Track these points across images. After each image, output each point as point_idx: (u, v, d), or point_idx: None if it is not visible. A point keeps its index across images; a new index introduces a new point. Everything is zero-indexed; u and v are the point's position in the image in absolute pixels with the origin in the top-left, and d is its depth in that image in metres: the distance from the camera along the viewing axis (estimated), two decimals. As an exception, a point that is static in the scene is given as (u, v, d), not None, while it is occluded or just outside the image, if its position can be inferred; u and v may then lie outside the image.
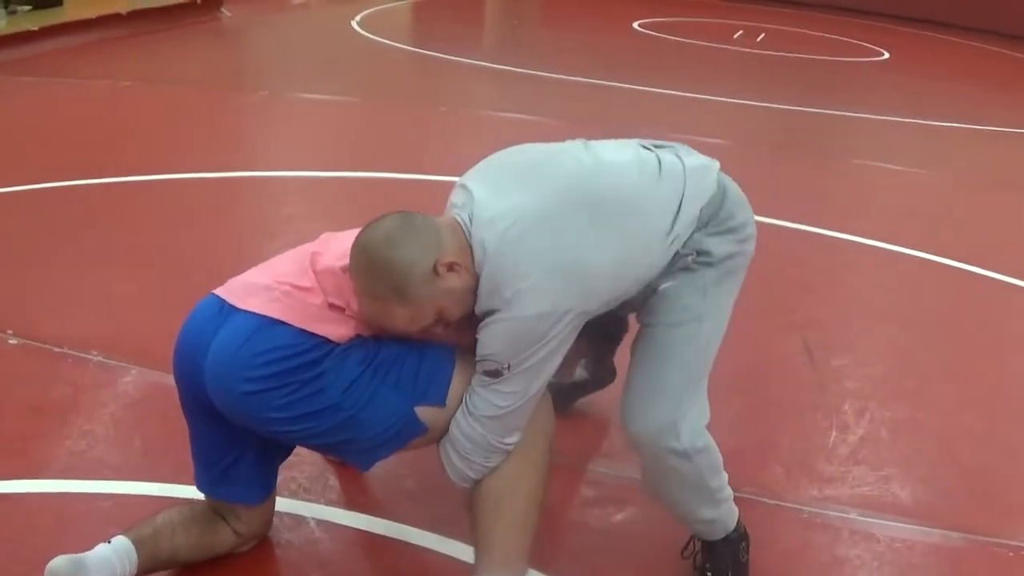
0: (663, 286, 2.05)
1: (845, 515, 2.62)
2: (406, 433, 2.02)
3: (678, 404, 2.06)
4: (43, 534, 2.32)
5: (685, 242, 2.01)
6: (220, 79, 7.53)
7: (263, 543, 2.34)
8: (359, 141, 6.03)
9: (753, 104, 7.70)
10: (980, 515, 2.68)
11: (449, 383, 2.01)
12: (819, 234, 4.78)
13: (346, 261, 1.98)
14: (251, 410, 1.96)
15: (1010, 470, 2.93)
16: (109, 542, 2.07)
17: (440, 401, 2.00)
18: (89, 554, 2.02)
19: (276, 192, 5.08)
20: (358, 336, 1.98)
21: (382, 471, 2.51)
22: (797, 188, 5.67)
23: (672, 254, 2.01)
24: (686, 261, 2.02)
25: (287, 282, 2.00)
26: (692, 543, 2.32)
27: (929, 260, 4.54)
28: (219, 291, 2.06)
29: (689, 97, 7.81)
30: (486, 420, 1.97)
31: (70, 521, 2.39)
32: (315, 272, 2.02)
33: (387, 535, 2.42)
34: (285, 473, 2.56)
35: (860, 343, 3.73)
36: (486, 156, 2.09)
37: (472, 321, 1.96)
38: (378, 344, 1.99)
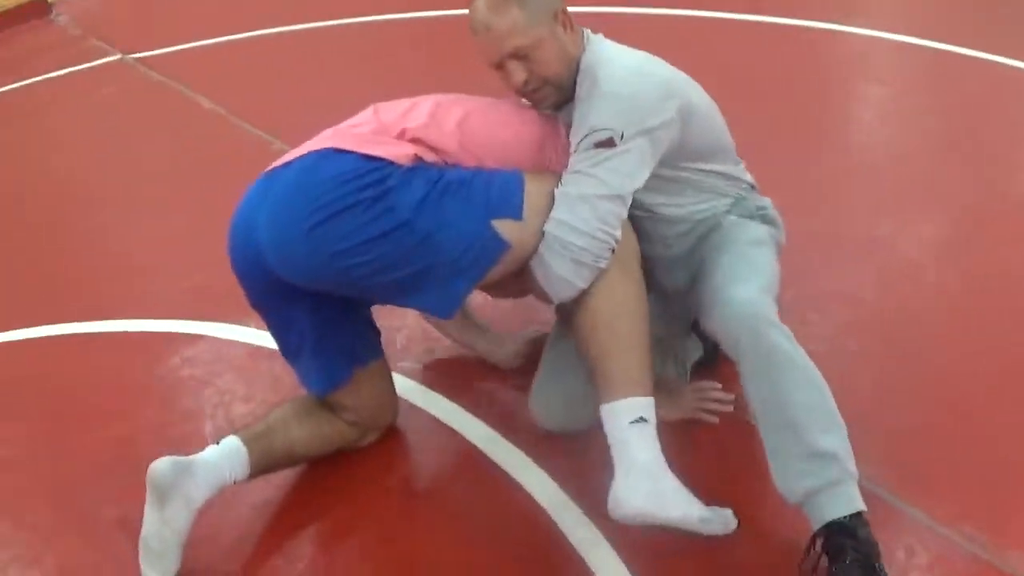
0: (732, 216, 2.14)
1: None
2: (487, 254, 1.86)
3: (766, 288, 1.95)
4: None
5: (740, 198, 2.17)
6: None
7: (389, 434, 2.23)
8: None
9: None
10: None
11: (523, 198, 1.88)
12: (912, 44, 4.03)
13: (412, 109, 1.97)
14: (319, 248, 1.83)
15: None
16: (218, 443, 1.99)
17: (517, 215, 1.86)
18: (196, 457, 1.93)
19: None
20: (420, 160, 1.87)
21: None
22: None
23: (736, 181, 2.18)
24: (750, 208, 2.16)
25: (336, 127, 1.98)
26: (812, 546, 1.79)
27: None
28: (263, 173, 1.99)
29: None
30: (600, 201, 1.87)
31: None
32: (375, 112, 1.99)
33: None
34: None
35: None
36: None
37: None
38: (442, 168, 1.89)
